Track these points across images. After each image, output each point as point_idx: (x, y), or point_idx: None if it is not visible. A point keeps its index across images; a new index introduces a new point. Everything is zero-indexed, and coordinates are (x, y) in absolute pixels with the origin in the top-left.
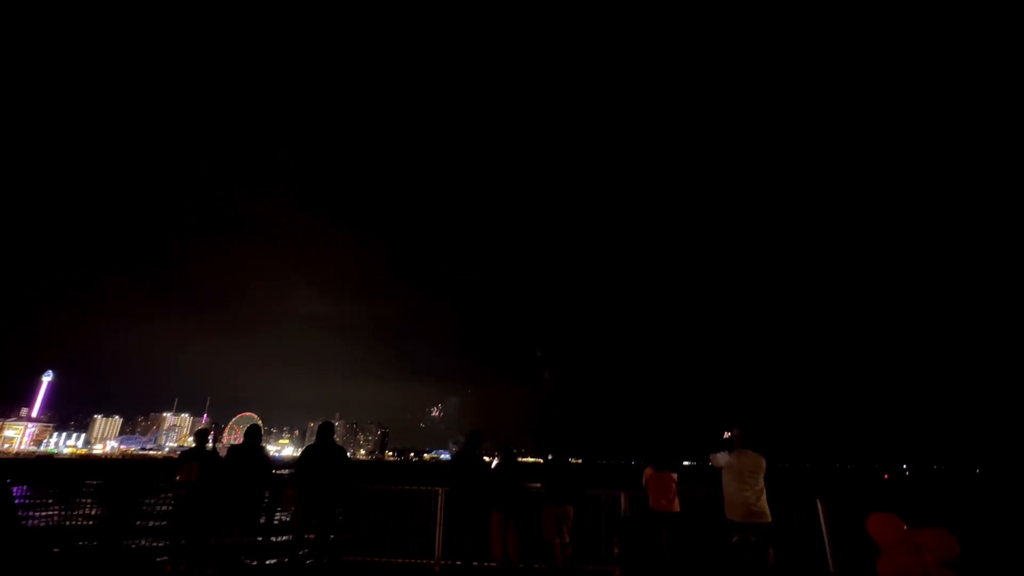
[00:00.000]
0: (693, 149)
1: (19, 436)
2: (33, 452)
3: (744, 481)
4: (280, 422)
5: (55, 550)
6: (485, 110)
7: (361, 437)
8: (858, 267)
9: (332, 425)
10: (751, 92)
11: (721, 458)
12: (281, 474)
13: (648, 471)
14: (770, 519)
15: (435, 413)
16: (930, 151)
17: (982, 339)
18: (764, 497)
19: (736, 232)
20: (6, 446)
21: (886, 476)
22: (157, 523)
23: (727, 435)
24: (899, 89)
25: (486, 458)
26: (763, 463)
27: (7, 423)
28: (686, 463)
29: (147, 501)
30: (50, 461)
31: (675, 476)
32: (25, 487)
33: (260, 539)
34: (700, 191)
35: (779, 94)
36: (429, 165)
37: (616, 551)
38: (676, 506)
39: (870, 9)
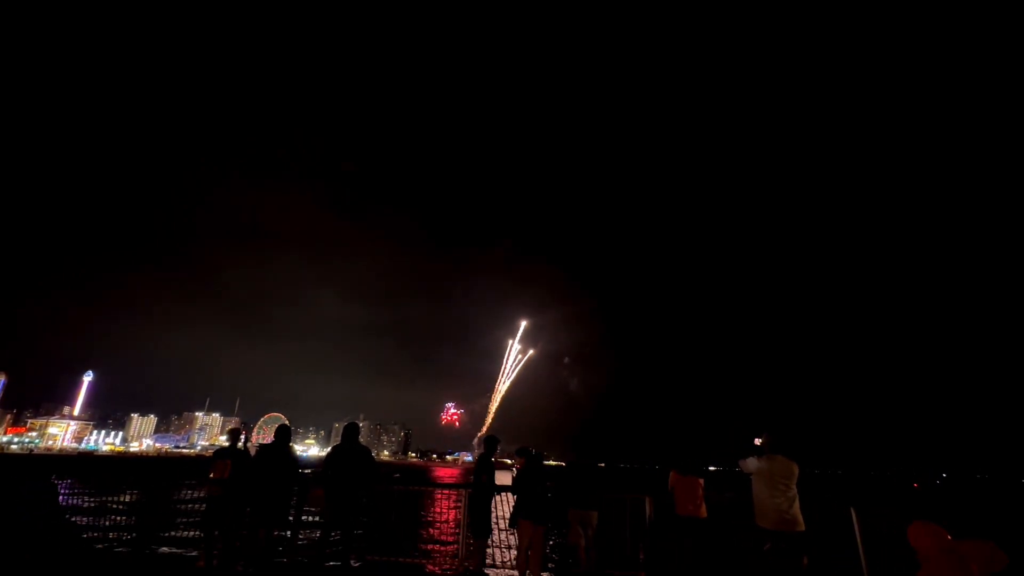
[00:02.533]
0: (727, 151)
1: (62, 433)
2: (75, 449)
3: (776, 487)
4: (306, 422)
5: (95, 542)
6: (505, 114)
7: (385, 438)
8: (892, 268)
9: (357, 426)
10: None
11: (751, 463)
12: (307, 473)
13: (673, 475)
14: (803, 527)
15: (457, 414)
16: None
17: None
18: (797, 504)
19: (764, 232)
20: (50, 443)
21: (915, 485)
22: (191, 517)
23: (758, 441)
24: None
25: (507, 461)
26: (795, 469)
27: (51, 421)
28: (712, 468)
29: (182, 496)
30: (91, 458)
31: (701, 481)
32: (69, 481)
33: (288, 536)
34: (730, 193)
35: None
36: (451, 170)
37: (641, 557)
38: (703, 512)
39: (873, 9)
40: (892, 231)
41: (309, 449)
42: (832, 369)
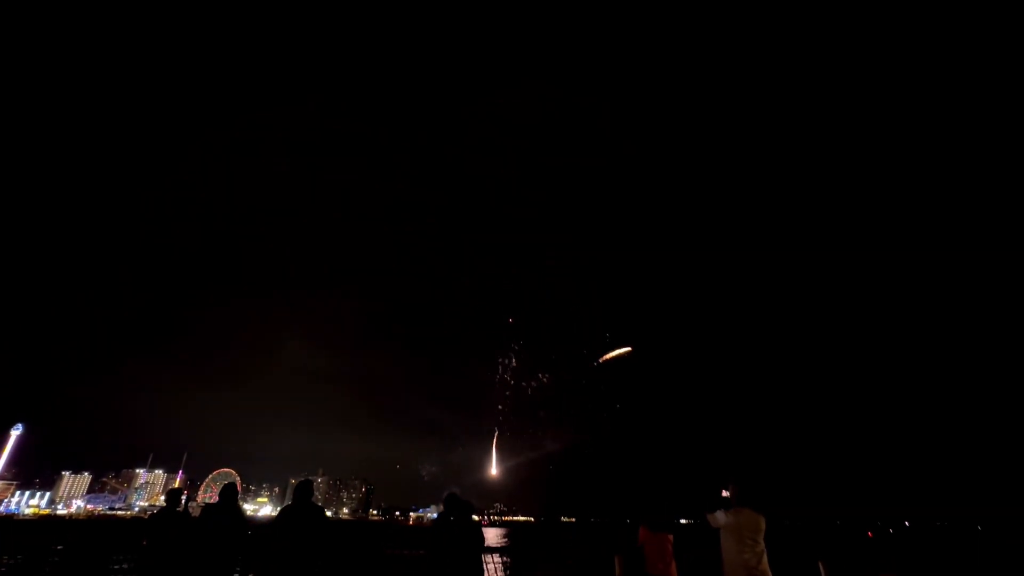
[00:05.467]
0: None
1: None
2: None
3: (743, 542)
4: (260, 478)
5: None
6: (469, 173)
7: (344, 495)
8: (856, 314)
9: (311, 484)
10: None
11: (719, 517)
12: (258, 536)
13: (643, 532)
14: None
15: (426, 470)
16: None
17: (995, 380)
18: (765, 559)
19: (723, 273)
20: None
21: (870, 534)
22: None
23: (725, 493)
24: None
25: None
26: (762, 523)
27: None
28: (683, 520)
29: (112, 567)
30: (10, 522)
31: (671, 537)
32: None
33: None
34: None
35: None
36: (417, 223)
37: None
38: (673, 570)
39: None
40: (849, 262)
41: (262, 508)
42: (800, 409)
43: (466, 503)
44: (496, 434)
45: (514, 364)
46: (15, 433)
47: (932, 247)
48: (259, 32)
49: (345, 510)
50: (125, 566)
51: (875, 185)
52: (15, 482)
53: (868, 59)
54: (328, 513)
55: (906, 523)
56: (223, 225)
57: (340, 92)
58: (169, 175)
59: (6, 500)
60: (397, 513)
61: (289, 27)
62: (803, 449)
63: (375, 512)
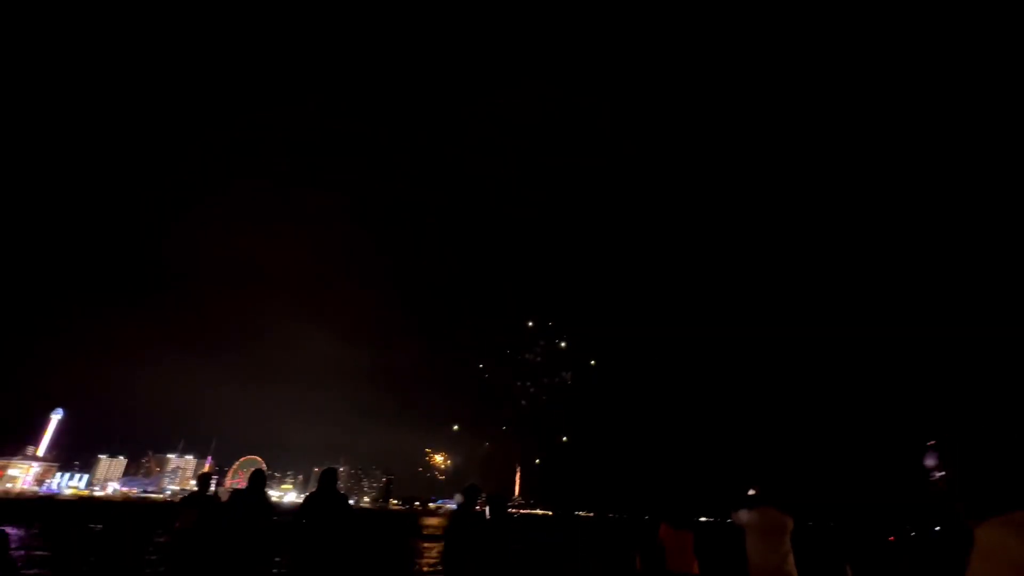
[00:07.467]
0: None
1: (22, 475)
2: (36, 493)
3: (768, 542)
4: (285, 466)
5: None
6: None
7: (366, 483)
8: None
9: (335, 472)
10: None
11: (743, 516)
12: (283, 521)
13: (664, 529)
14: None
15: (444, 461)
16: None
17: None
18: (791, 560)
19: (750, 271)
20: (8, 485)
21: (891, 539)
22: (155, 569)
23: (752, 492)
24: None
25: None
26: (788, 523)
27: (12, 462)
28: (703, 519)
29: (146, 546)
30: (50, 502)
31: (692, 535)
32: (24, 529)
33: None
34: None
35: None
36: (443, 221)
37: None
38: (695, 568)
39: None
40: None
41: (286, 494)
42: (829, 411)
43: (497, 496)
44: (519, 468)
45: (538, 360)
46: (55, 417)
47: (947, 244)
48: (259, 32)
49: (366, 499)
50: (161, 542)
51: (883, 182)
52: (55, 464)
53: (870, 59)
54: (350, 502)
55: (936, 528)
56: (229, 225)
57: (340, 92)
58: (169, 175)
59: (48, 481)
60: (417, 503)
61: (289, 27)
62: (830, 445)
63: (395, 502)
